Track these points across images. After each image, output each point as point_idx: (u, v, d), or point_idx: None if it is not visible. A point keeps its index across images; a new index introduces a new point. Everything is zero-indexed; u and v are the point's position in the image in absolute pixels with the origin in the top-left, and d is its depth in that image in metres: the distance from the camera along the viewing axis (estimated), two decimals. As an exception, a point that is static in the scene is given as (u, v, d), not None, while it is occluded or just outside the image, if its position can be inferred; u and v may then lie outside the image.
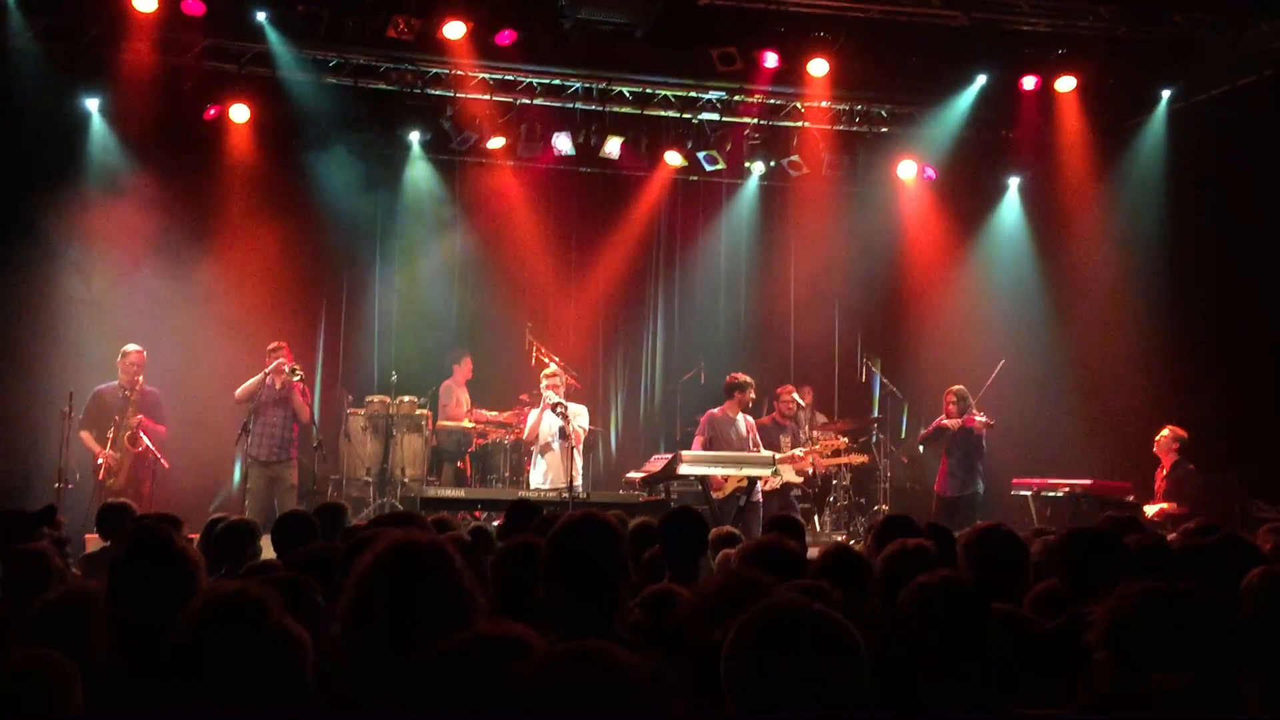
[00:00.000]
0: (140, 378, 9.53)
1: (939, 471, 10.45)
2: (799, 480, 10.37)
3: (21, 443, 9.50)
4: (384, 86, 11.36)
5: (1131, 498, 9.55)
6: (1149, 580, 2.68)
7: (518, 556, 3.57)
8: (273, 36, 10.36)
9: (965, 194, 12.60)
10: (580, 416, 10.06)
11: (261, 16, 10.20)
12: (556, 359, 10.76)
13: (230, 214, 11.12)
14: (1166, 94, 11.21)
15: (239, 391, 9.83)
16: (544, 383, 10.11)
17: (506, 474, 11.05)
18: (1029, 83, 11.20)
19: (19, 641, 3.09)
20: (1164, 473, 9.65)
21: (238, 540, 5.03)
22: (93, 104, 10.62)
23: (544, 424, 10.07)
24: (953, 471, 10.25)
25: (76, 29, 10.16)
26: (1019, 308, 12.10)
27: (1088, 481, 9.68)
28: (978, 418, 10.16)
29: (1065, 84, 11.13)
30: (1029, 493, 9.95)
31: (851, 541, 9.33)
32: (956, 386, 10.37)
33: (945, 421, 10.29)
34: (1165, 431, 9.68)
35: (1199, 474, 9.58)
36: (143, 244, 10.54)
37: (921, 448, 11.36)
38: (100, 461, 9.29)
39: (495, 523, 7.65)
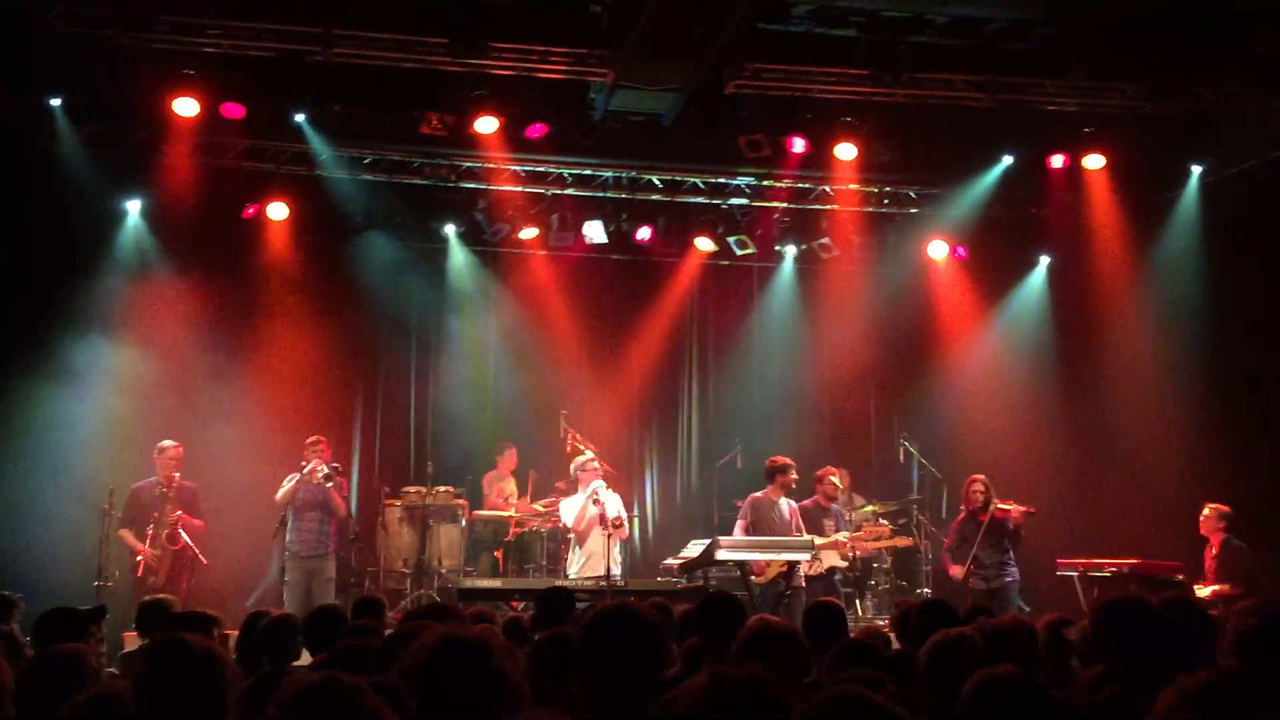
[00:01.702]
0: (177, 473, 9.59)
1: (967, 564, 9.83)
2: (844, 565, 10.21)
3: (59, 539, 9.54)
4: (418, 181, 11.60)
5: (1181, 577, 9.32)
6: (1205, 666, 2.59)
7: (554, 649, 3.53)
8: (310, 136, 10.63)
9: (997, 272, 12.59)
10: (613, 505, 10.00)
11: (300, 117, 10.47)
12: (591, 446, 10.74)
13: (267, 308, 11.32)
14: (1197, 169, 11.21)
15: (278, 496, 9.88)
16: (584, 470, 10.05)
17: (544, 563, 10.97)
18: (1057, 161, 11.23)
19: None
20: (1214, 552, 9.42)
21: (282, 636, 5.00)
22: (134, 205, 10.89)
23: (588, 512, 9.95)
24: (980, 563, 9.76)
25: (121, 134, 10.46)
26: (1054, 386, 11.98)
27: (1135, 561, 9.45)
28: (1016, 508, 9.80)
29: (1094, 162, 11.15)
30: (1075, 574, 9.73)
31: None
32: (980, 476, 10.05)
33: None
34: (1208, 510, 9.48)
35: (1250, 551, 9.35)
36: (181, 339, 10.73)
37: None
38: (139, 559, 9.30)
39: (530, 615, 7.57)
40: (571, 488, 10.58)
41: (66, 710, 3.01)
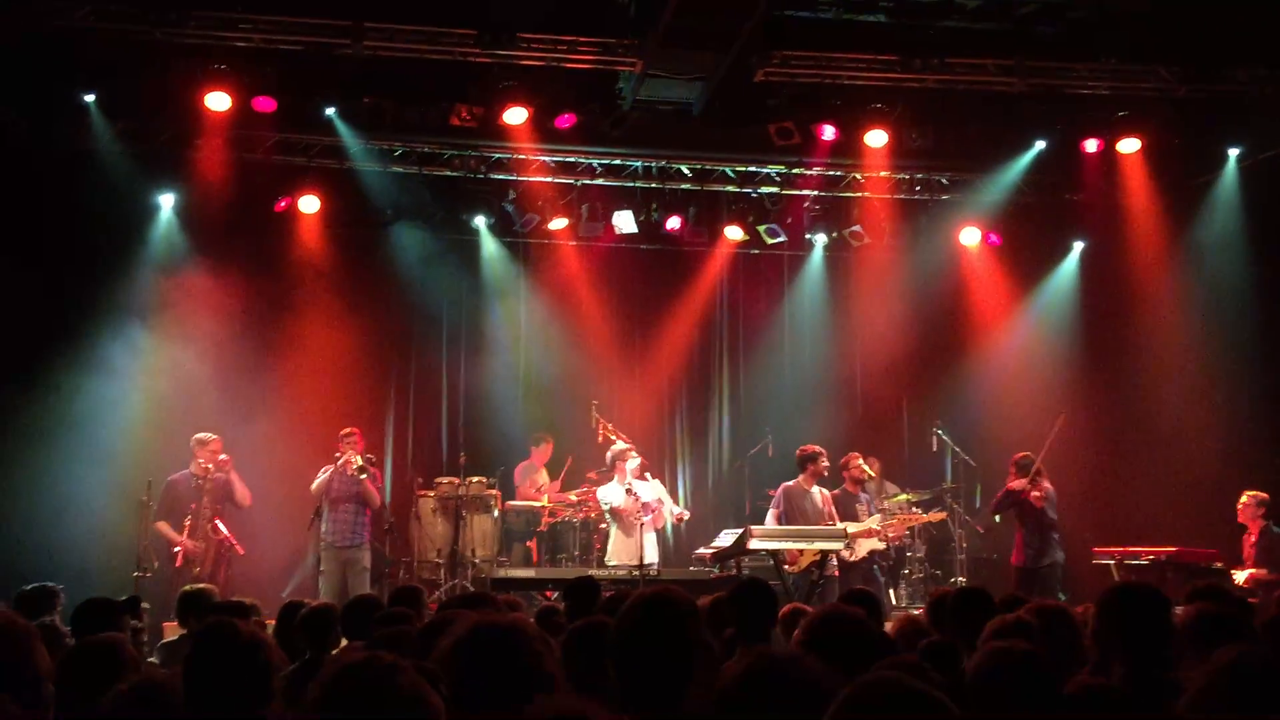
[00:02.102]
0: (212, 465, 9.67)
1: (1014, 542, 10.14)
2: (882, 547, 10.16)
3: (100, 531, 9.66)
4: (448, 173, 11.64)
5: (1219, 564, 9.24)
6: (1238, 646, 2.57)
7: (588, 637, 3.54)
8: (341, 128, 10.69)
9: (1029, 259, 12.49)
10: (651, 492, 10.01)
11: (330, 110, 10.53)
12: (624, 436, 10.76)
13: (300, 301, 11.39)
14: (1234, 152, 11.07)
15: (314, 486, 9.96)
16: (622, 459, 10.04)
17: (576, 553, 11.00)
18: (1091, 145, 11.10)
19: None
20: (1252, 539, 9.33)
21: (321, 624, 5.05)
22: (167, 200, 10.99)
23: (627, 500, 9.96)
24: (1027, 541, 9.88)
25: (154, 129, 10.55)
26: (1088, 373, 11.90)
27: (1172, 549, 9.36)
28: (1035, 493, 9.80)
29: (1128, 145, 11.02)
30: (1112, 561, 9.65)
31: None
32: (1020, 454, 10.09)
33: (1013, 485, 9.96)
34: (1245, 497, 9.38)
35: (1290, 538, 9.25)
36: (216, 333, 10.83)
37: (997, 517, 11.05)
38: (178, 550, 9.40)
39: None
40: (605, 478, 10.60)
41: (107, 701, 3.04)
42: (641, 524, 9.68)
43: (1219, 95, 10.47)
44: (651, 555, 9.81)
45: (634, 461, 10.06)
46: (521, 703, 2.39)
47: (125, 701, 3.04)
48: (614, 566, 9.62)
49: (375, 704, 2.19)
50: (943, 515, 11.00)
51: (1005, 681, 2.92)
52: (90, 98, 10.09)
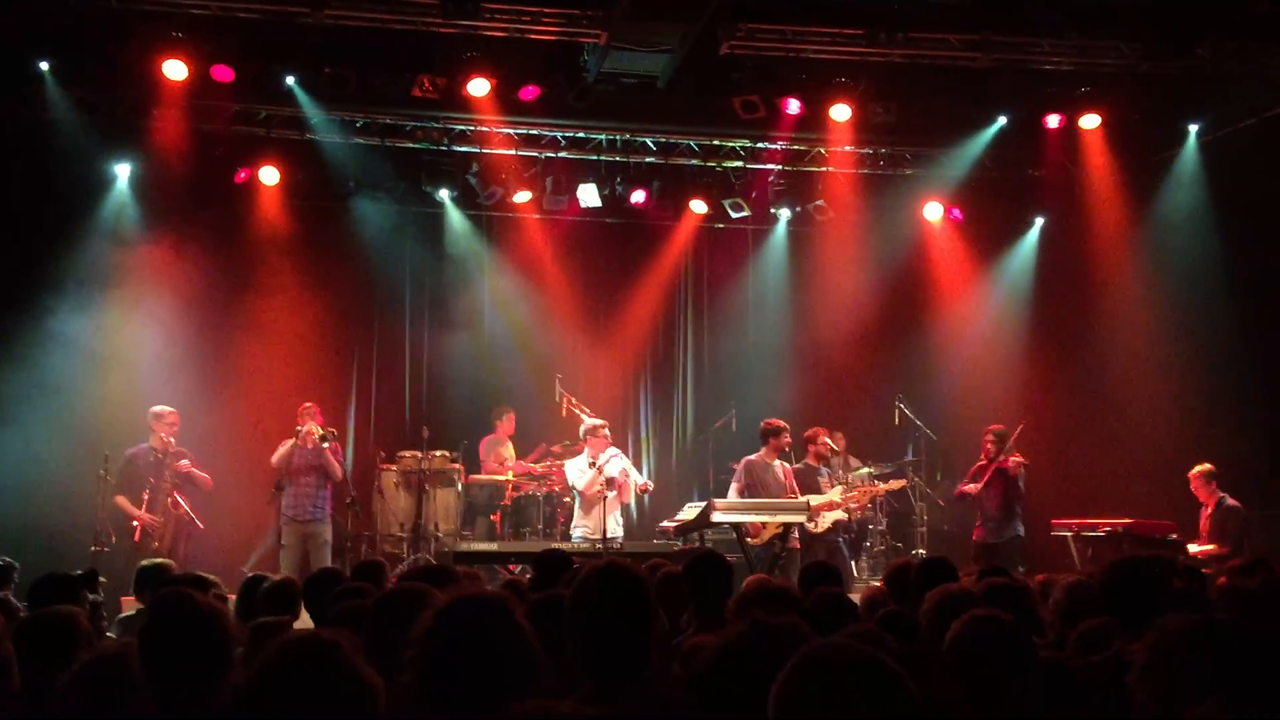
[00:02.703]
0: (172, 439, 9.57)
1: (976, 517, 10.25)
2: (844, 518, 10.23)
3: (53, 505, 9.54)
4: (411, 145, 11.55)
5: (1175, 536, 9.37)
6: (1186, 614, 2.61)
7: (549, 609, 3.53)
8: (301, 99, 10.56)
9: (992, 234, 12.57)
10: (615, 467, 9.97)
11: (290, 80, 10.39)
12: (587, 410, 10.74)
13: (261, 274, 11.27)
14: (1194, 128, 11.16)
15: (275, 458, 9.88)
16: (594, 436, 9.97)
17: (540, 527, 11.00)
18: (1053, 121, 11.19)
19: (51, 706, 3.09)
20: (1208, 512, 9.46)
21: (283, 599, 5.02)
22: (123, 170, 10.82)
23: (592, 475, 9.91)
24: (989, 515, 10.00)
25: (110, 99, 10.37)
26: (1049, 348, 12.02)
27: (1128, 520, 9.49)
28: (1013, 459, 9.96)
29: (1090, 121, 11.11)
30: (1069, 534, 9.78)
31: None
32: (995, 426, 10.21)
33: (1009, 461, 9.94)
34: (1195, 470, 9.51)
35: (1245, 511, 9.39)
36: (175, 305, 10.71)
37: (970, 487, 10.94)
38: (137, 524, 9.31)
39: (529, 576, 7.59)
40: (569, 452, 10.59)
41: (68, 674, 3.01)
42: (605, 499, 9.67)
43: (1181, 71, 10.54)
44: (615, 530, 9.82)
45: (608, 445, 9.97)
46: (506, 684, 2.37)
47: (86, 674, 3.01)
48: (577, 540, 9.62)
49: (312, 683, 2.18)
50: (902, 483, 11.08)
51: (987, 649, 2.93)
52: (45, 65, 9.91)
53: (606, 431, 10.04)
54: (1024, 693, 2.88)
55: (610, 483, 9.79)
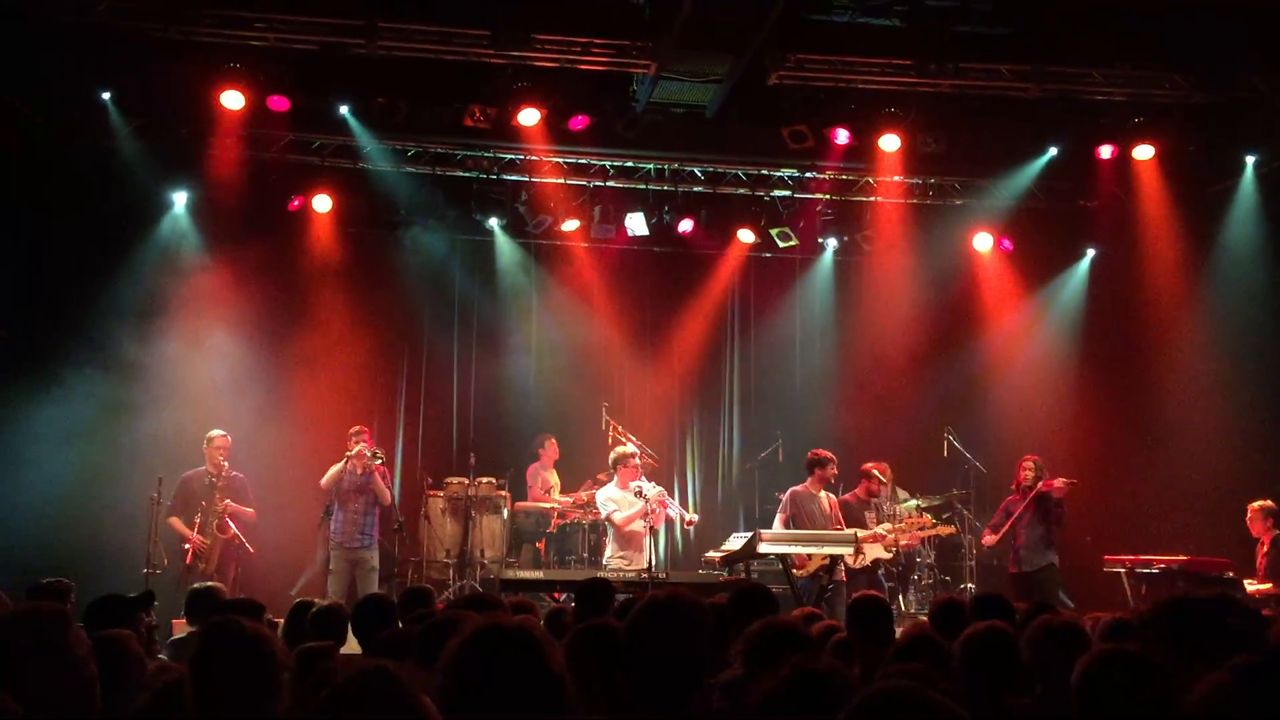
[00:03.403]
0: (226, 463, 9.70)
1: (1010, 549, 10.06)
2: (888, 557, 10.15)
3: (111, 528, 9.68)
4: (461, 174, 11.68)
5: (1230, 574, 9.17)
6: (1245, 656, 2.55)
7: (593, 639, 3.52)
8: (354, 128, 10.72)
9: (1042, 264, 12.46)
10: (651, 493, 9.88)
11: (344, 110, 10.56)
12: (633, 438, 10.74)
13: (312, 301, 11.42)
14: (1251, 159, 11.01)
15: (324, 480, 9.96)
16: (625, 466, 9.90)
17: (585, 554, 11.00)
18: (1105, 152, 11.08)
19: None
20: (1264, 549, 9.27)
21: (330, 624, 5.05)
22: (180, 197, 11.03)
23: (632, 507, 9.84)
24: (1020, 544, 9.87)
25: (169, 127, 10.58)
26: (1100, 380, 11.87)
27: (1184, 558, 9.31)
28: (1059, 480, 9.82)
29: (1143, 152, 10.99)
30: (1122, 570, 9.61)
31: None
32: (1034, 456, 10.10)
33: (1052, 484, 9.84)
34: (1252, 509, 9.34)
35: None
36: (229, 332, 10.88)
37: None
38: (188, 547, 9.42)
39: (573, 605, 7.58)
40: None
41: (143, 698, 3.06)
42: (650, 530, 9.61)
43: (1235, 102, 10.42)
44: (650, 559, 9.69)
45: (640, 475, 9.89)
46: (531, 708, 2.37)
47: (160, 699, 3.06)
48: (622, 570, 9.54)
49: (380, 714, 2.20)
50: (950, 529, 10.93)
51: (1119, 687, 2.87)
52: (107, 95, 10.14)
53: (638, 461, 9.98)
54: None
55: (649, 514, 9.70)
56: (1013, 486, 10.16)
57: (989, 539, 10.01)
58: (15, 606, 3.53)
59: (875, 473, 10.22)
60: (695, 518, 10.77)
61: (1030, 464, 10.03)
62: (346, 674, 2.29)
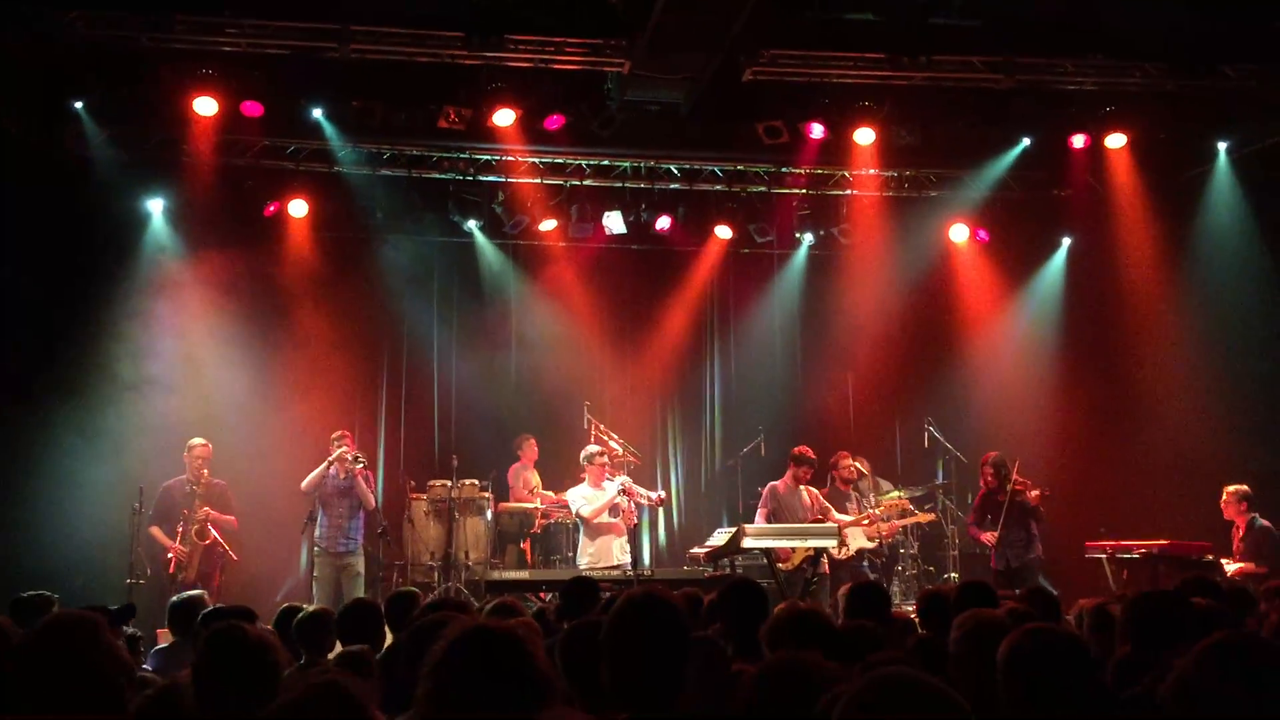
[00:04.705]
0: (206, 470, 9.66)
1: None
2: (872, 546, 10.19)
3: (92, 539, 9.64)
4: (437, 175, 11.67)
5: (1210, 557, 9.26)
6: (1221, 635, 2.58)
7: (581, 637, 3.53)
8: (329, 132, 10.70)
9: (1019, 254, 12.54)
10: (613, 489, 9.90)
11: (317, 113, 10.53)
12: (615, 436, 10.76)
13: (291, 305, 11.40)
14: (1224, 145, 11.10)
15: (305, 483, 9.94)
16: (593, 465, 9.95)
17: (569, 554, 10.99)
18: (1078, 141, 11.16)
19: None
20: (1240, 533, 9.37)
21: (318, 630, 5.06)
22: (156, 204, 10.99)
23: (607, 504, 9.88)
24: (1003, 540, 9.80)
25: (142, 134, 10.54)
26: (1078, 368, 11.96)
27: (1164, 542, 9.38)
28: (1032, 493, 9.83)
29: (1115, 141, 11.07)
30: (1103, 556, 9.68)
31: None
32: (992, 455, 10.10)
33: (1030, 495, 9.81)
34: (1226, 493, 9.42)
35: (1276, 531, 9.27)
36: (207, 339, 10.84)
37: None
38: (170, 555, 9.39)
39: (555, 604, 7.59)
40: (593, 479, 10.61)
41: (134, 706, 3.08)
42: (617, 522, 9.67)
43: (1206, 90, 10.49)
44: (621, 557, 9.74)
45: (603, 465, 9.96)
46: (516, 711, 2.39)
47: (150, 706, 3.08)
48: (604, 567, 9.57)
49: None
50: (930, 516, 10.97)
51: (1045, 667, 2.89)
52: (80, 104, 10.08)
53: (606, 459, 10.02)
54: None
55: (614, 509, 9.77)
56: (981, 484, 10.14)
57: (988, 537, 9.94)
58: (49, 616, 3.52)
59: (843, 462, 10.26)
60: (662, 494, 10.79)
61: (988, 467, 9.98)
62: (297, 688, 2.31)
